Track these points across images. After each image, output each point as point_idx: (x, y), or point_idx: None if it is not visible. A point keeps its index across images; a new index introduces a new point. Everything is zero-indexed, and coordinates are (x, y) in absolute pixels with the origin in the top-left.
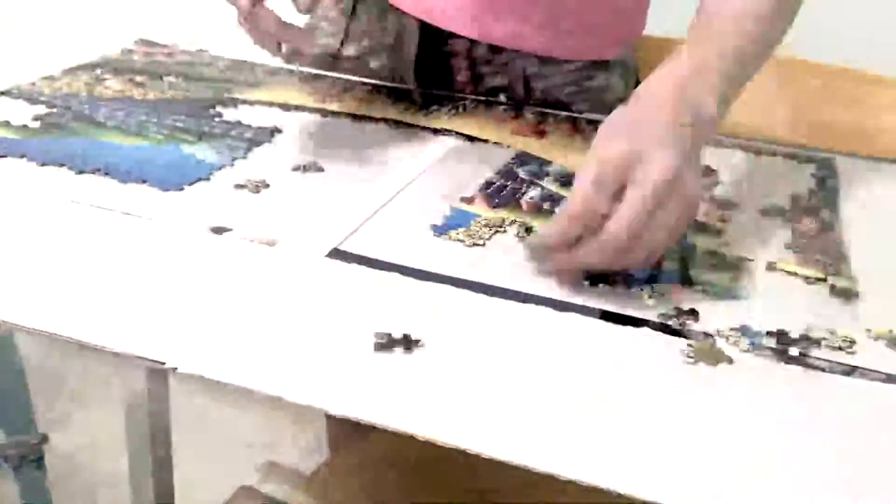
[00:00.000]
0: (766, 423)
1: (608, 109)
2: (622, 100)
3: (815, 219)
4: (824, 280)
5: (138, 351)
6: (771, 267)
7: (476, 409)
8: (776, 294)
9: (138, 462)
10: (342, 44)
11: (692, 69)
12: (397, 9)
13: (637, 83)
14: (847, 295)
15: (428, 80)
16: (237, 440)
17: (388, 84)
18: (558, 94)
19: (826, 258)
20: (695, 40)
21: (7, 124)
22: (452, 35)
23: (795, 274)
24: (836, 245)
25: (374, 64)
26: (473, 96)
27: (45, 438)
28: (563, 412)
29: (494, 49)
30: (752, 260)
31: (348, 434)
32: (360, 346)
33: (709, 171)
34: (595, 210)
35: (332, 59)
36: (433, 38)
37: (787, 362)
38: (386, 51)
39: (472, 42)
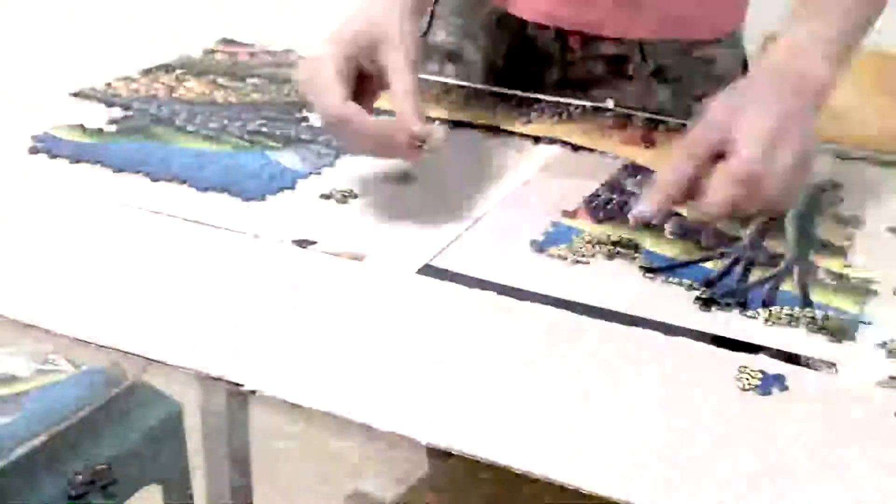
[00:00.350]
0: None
1: (717, 81)
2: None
3: None
4: None
5: (216, 371)
6: None
7: (578, 440)
8: None
9: (215, 491)
10: (427, 29)
11: (804, 37)
12: None
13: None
14: None
15: (528, 55)
16: (320, 468)
17: (487, 87)
18: (669, 64)
19: None
20: (802, 14)
21: (81, 128)
22: None
23: None
24: None
25: (468, 51)
26: (569, 100)
27: (113, 464)
28: (672, 442)
29: None
30: (879, 282)
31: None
32: (452, 369)
33: (833, 186)
34: (704, 151)
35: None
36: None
37: None
38: (483, 32)
39: None
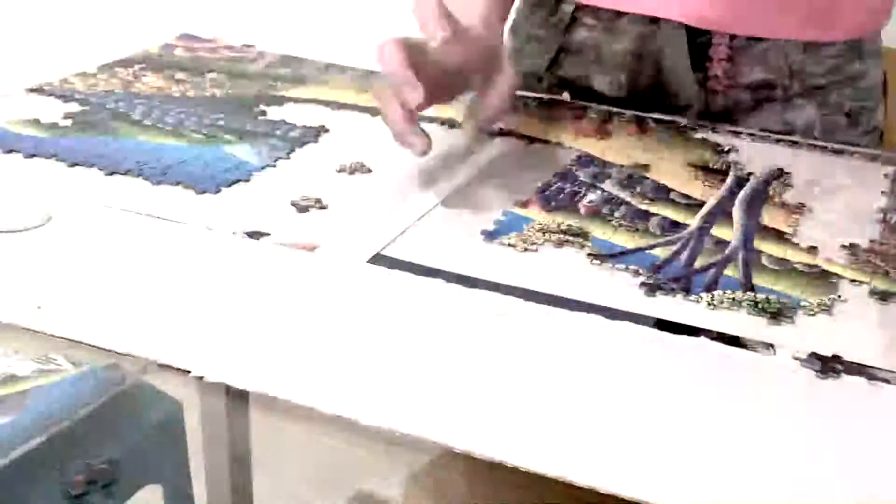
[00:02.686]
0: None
1: (865, 96)
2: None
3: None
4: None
5: (164, 359)
6: (837, 275)
7: (527, 423)
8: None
9: (215, 491)
10: (552, 64)
11: None
12: (631, 17)
13: (885, 80)
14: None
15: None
16: (320, 467)
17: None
18: (819, 82)
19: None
20: None
21: (37, 122)
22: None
23: (860, 282)
24: None
25: (599, 82)
26: (527, 93)
27: (113, 464)
28: (615, 424)
29: (753, 38)
30: (817, 265)
31: None
32: (403, 356)
33: (781, 173)
34: None
35: (538, 81)
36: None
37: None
38: (620, 67)
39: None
